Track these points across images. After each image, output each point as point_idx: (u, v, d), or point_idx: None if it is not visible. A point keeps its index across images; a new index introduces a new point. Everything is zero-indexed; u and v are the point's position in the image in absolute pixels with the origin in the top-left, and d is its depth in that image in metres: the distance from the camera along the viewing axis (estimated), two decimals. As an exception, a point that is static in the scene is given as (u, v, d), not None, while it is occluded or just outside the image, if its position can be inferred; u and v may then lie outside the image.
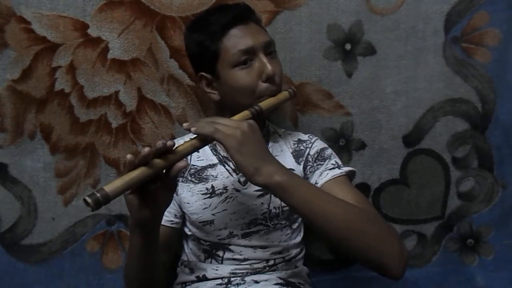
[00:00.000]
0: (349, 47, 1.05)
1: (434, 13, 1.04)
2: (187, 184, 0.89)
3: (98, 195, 0.57)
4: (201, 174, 0.89)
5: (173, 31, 1.02)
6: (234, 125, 0.66)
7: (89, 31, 1.01)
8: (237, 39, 0.81)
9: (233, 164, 0.88)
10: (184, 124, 0.68)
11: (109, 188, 0.58)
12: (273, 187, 0.65)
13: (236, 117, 0.75)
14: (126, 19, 1.01)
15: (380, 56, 1.05)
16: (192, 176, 0.90)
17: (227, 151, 0.65)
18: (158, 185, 0.66)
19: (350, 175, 0.87)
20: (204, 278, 0.87)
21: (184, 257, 0.94)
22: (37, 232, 1.05)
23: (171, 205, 0.88)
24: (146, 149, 0.62)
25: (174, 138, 1.04)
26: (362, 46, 1.05)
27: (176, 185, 0.71)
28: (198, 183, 0.89)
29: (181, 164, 0.65)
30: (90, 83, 1.03)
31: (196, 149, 0.68)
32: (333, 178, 0.83)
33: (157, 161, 0.63)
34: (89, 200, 0.57)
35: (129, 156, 0.62)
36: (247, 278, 0.85)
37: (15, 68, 1.00)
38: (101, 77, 1.02)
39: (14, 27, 0.99)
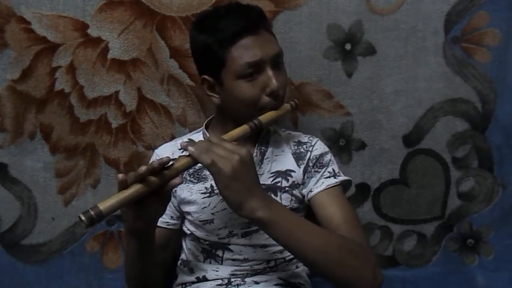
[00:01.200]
0: (349, 47, 1.05)
1: (434, 13, 1.04)
2: (186, 184, 0.89)
3: (92, 213, 0.58)
4: (200, 173, 0.89)
5: (173, 31, 1.02)
6: (228, 156, 0.65)
7: (89, 31, 1.01)
8: (246, 51, 0.78)
9: None
10: (186, 146, 0.67)
11: (103, 206, 0.59)
12: (255, 222, 0.67)
13: (235, 131, 0.74)
14: (126, 19, 1.01)
15: (380, 56, 1.05)
16: (191, 176, 0.89)
17: (216, 185, 0.66)
18: (152, 200, 0.66)
19: (345, 184, 0.88)
20: (204, 279, 0.87)
21: (183, 257, 0.94)
22: (37, 232, 1.05)
23: (167, 207, 0.88)
24: (142, 168, 0.62)
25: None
26: (362, 46, 1.05)
27: (170, 199, 0.72)
28: (197, 183, 0.89)
29: (176, 181, 0.66)
30: (90, 83, 1.03)
31: (192, 166, 0.68)
32: (327, 189, 0.84)
33: (152, 179, 0.63)
34: (83, 217, 0.58)
35: (120, 176, 0.63)
36: (247, 279, 0.85)
37: (15, 68, 1.00)
38: (101, 77, 1.02)
39: (14, 27, 0.99)
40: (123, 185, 0.63)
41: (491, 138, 1.08)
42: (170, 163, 0.66)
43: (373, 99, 1.07)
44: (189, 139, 0.85)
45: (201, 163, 0.65)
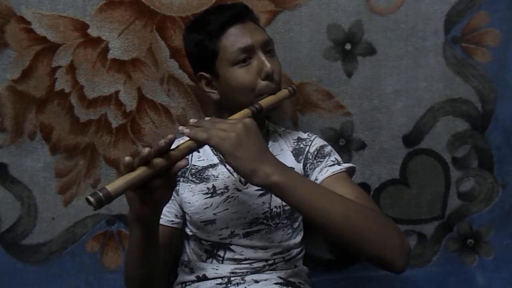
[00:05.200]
0: (349, 47, 1.05)
1: (434, 13, 1.04)
2: (188, 184, 0.89)
3: (101, 194, 0.57)
4: (202, 174, 0.89)
5: (173, 31, 1.02)
6: (229, 128, 0.65)
7: (89, 31, 1.01)
8: (236, 38, 0.82)
9: None
10: (180, 128, 0.69)
11: (111, 187, 0.58)
12: (271, 188, 0.65)
13: (236, 115, 0.75)
14: (126, 19, 1.01)
15: (380, 56, 1.05)
16: (193, 176, 0.90)
17: (222, 156, 0.66)
18: (158, 183, 0.66)
19: (350, 172, 0.87)
20: (204, 278, 0.87)
21: (184, 257, 0.94)
22: (37, 232, 1.05)
23: (172, 205, 0.88)
24: (147, 149, 0.62)
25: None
26: (362, 46, 1.05)
27: (176, 183, 0.71)
28: (199, 183, 0.89)
29: (181, 163, 0.65)
30: (90, 83, 1.03)
31: (197, 148, 0.68)
32: (333, 175, 0.84)
33: (158, 160, 0.63)
34: (91, 199, 0.57)
35: (127, 158, 0.62)
36: (247, 278, 0.85)
37: (15, 68, 1.00)
38: (101, 77, 1.02)
39: (14, 27, 0.99)
40: (129, 168, 0.62)
41: (491, 138, 1.08)
42: (176, 145, 0.65)
43: (373, 99, 1.07)
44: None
45: (198, 141, 0.66)
